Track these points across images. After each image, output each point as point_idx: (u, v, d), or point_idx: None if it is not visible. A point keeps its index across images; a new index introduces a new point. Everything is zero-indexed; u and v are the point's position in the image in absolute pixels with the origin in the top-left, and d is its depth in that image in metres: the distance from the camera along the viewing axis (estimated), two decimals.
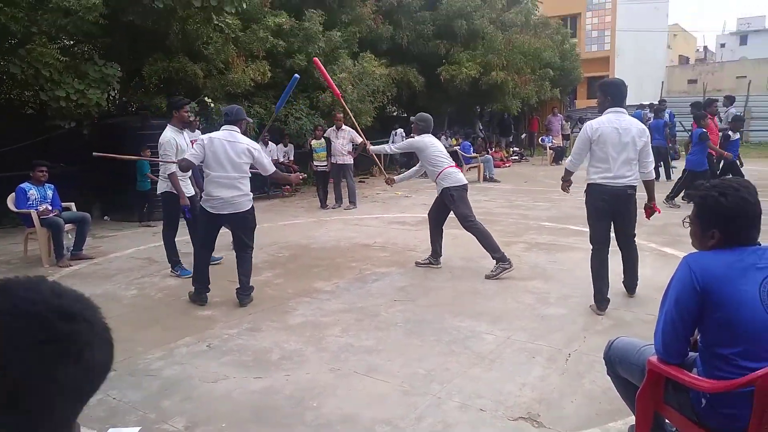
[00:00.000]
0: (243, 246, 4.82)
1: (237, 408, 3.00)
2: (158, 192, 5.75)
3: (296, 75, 5.61)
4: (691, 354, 2.04)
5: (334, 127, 10.01)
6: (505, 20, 17.46)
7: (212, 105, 9.60)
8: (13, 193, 6.30)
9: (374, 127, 15.41)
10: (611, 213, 4.36)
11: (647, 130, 4.38)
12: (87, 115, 8.22)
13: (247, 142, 4.74)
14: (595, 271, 4.38)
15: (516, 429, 2.72)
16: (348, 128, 9.82)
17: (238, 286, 4.76)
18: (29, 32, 7.38)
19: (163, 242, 5.77)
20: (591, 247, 4.46)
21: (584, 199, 4.53)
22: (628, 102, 17.57)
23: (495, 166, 15.60)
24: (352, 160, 9.97)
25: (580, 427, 2.72)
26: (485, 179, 13.74)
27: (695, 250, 2.03)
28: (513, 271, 5.30)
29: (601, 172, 4.26)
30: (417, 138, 5.89)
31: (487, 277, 5.29)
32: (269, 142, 11.35)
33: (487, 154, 15.05)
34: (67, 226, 6.39)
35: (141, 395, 3.17)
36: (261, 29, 10.69)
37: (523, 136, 22.83)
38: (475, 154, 14.41)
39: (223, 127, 4.77)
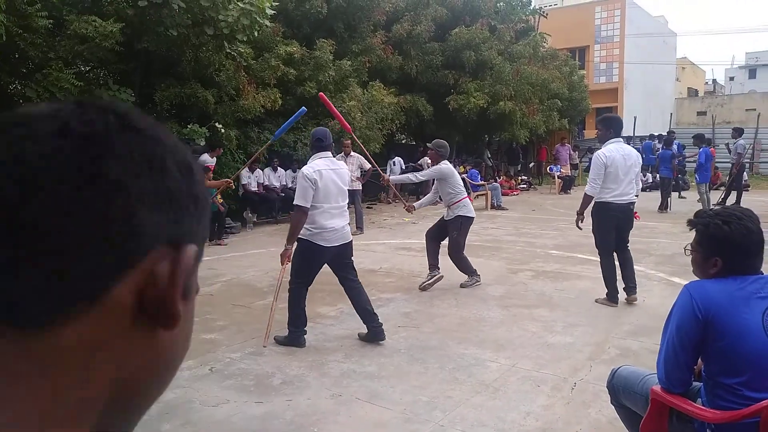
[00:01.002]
0: (351, 275, 4.43)
1: None
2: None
3: (303, 108, 5.58)
4: (695, 383, 2.01)
5: (342, 153, 10.10)
6: (513, 52, 17.69)
7: (223, 131, 9.74)
8: None
9: (382, 154, 15.56)
10: (617, 225, 5.21)
11: (639, 156, 5.33)
12: None
13: (343, 165, 4.57)
14: (608, 272, 5.23)
15: None
16: (356, 154, 9.92)
17: (372, 324, 4.26)
18: (46, 57, 7.58)
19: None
20: (600, 255, 5.35)
21: (593, 217, 5.33)
22: (636, 133, 17.97)
23: (503, 194, 15.62)
24: (360, 186, 10.03)
25: None
26: (493, 207, 13.74)
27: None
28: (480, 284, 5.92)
29: (611, 192, 5.10)
30: (443, 165, 6.06)
31: (462, 285, 5.90)
32: (278, 168, 11.45)
33: (495, 182, 15.10)
34: None
35: (141, 419, 3.13)
36: (272, 58, 10.91)
37: (532, 164, 22.89)
38: (482, 182, 14.46)
39: (318, 155, 4.28)
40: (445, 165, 6.08)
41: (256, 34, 9.29)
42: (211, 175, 8.61)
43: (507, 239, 9.20)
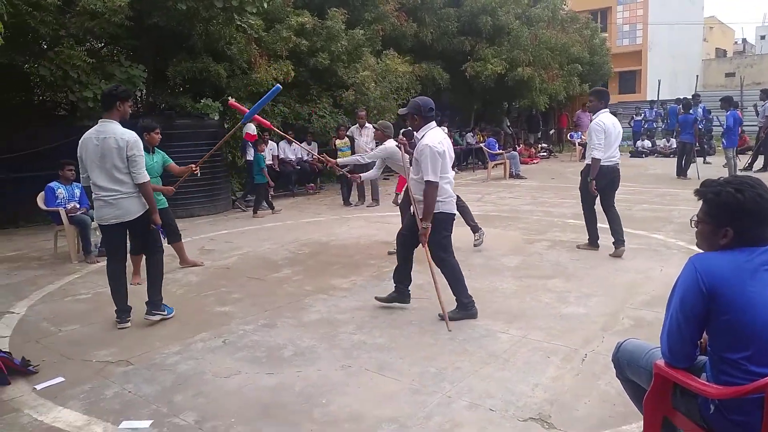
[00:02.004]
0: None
1: (247, 404, 3.02)
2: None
3: (278, 85, 5.45)
4: (701, 358, 1.96)
5: (357, 125, 10.02)
6: (531, 15, 17.21)
7: None
8: (43, 192, 6.49)
9: (398, 124, 15.39)
10: (606, 184, 5.92)
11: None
12: None
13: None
14: (591, 221, 6.17)
15: (525, 430, 2.67)
16: (371, 126, 9.81)
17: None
18: (58, 35, 7.58)
19: None
20: (584, 208, 6.15)
21: (583, 175, 6.03)
22: (662, 96, 17.61)
23: (522, 163, 15.40)
24: None
25: (591, 429, 2.66)
26: (511, 176, 13.58)
27: None
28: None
29: (607, 156, 5.83)
30: (388, 144, 6.16)
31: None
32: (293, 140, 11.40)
33: (514, 150, 14.88)
34: (94, 224, 6.53)
35: (155, 389, 3.22)
36: (284, 29, 10.77)
37: (552, 132, 22.47)
38: (500, 151, 14.26)
39: (430, 126, 4.14)
40: (391, 144, 6.06)
41: (265, 5, 9.17)
42: None
43: (524, 209, 9.10)
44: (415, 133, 4.33)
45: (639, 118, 20.02)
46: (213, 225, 8.59)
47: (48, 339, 4.05)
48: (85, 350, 3.81)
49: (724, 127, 11.59)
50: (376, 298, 4.53)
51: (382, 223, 8.19)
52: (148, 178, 4.17)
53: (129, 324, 4.22)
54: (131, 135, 4.07)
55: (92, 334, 4.12)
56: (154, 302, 4.31)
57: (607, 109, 5.96)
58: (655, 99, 22.42)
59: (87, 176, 4.14)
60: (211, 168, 9.39)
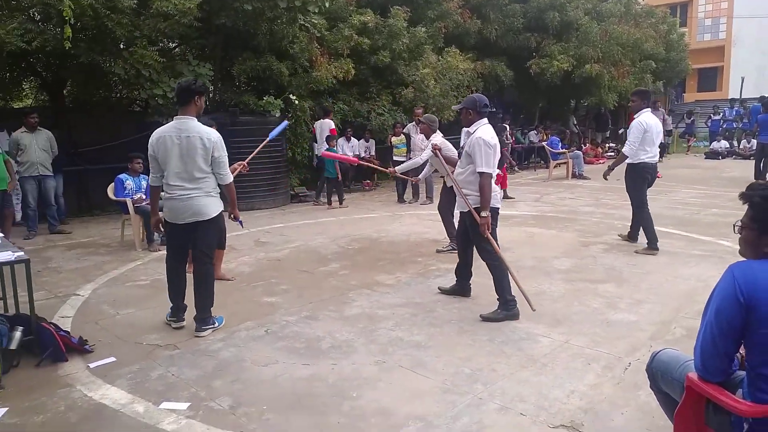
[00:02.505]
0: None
1: (281, 392, 3.10)
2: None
3: (286, 121, 6.29)
4: (739, 373, 1.83)
5: (413, 123, 10.00)
6: (602, 10, 16.54)
7: (296, 102, 9.94)
8: (113, 183, 6.90)
9: (458, 122, 15.24)
10: (650, 181, 6.19)
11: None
12: None
13: None
14: (647, 222, 6.07)
15: None
16: None
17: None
18: (132, 36, 8.03)
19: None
20: (638, 210, 6.20)
21: (629, 177, 6.21)
22: (745, 94, 16.56)
23: (587, 163, 14.88)
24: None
25: None
26: (574, 176, 13.14)
27: None
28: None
29: (647, 154, 6.02)
30: (438, 139, 6.37)
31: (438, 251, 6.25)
32: (351, 138, 11.55)
33: (578, 149, 14.39)
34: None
35: (196, 374, 3.36)
36: (346, 27, 10.90)
37: (621, 131, 21.50)
38: (563, 150, 13.81)
39: (483, 121, 4.21)
40: (440, 138, 6.32)
41: (327, 4, 9.32)
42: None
43: (584, 210, 8.79)
44: (466, 128, 4.35)
45: (717, 117, 18.84)
46: (270, 218, 8.84)
47: (106, 321, 4.32)
48: (137, 333, 4.03)
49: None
50: (439, 288, 4.81)
51: (434, 221, 8.11)
52: (231, 178, 4.09)
53: (184, 323, 4.08)
54: (216, 135, 3.92)
55: (146, 318, 4.35)
56: (203, 318, 4.02)
57: (650, 109, 6.21)
58: (737, 97, 21.01)
59: (159, 176, 3.95)
60: (272, 163, 9.68)
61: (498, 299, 4.16)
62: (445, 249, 6.26)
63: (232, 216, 4.33)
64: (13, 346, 3.45)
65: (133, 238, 6.81)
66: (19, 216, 8.02)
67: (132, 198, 6.77)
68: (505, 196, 9.71)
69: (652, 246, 5.97)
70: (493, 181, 4.16)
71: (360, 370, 3.35)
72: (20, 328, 3.54)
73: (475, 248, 4.41)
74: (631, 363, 3.32)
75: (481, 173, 4.06)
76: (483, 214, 4.10)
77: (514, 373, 3.24)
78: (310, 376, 3.29)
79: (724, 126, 18.62)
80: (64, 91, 10.12)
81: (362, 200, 10.70)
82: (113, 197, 6.88)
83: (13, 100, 11.41)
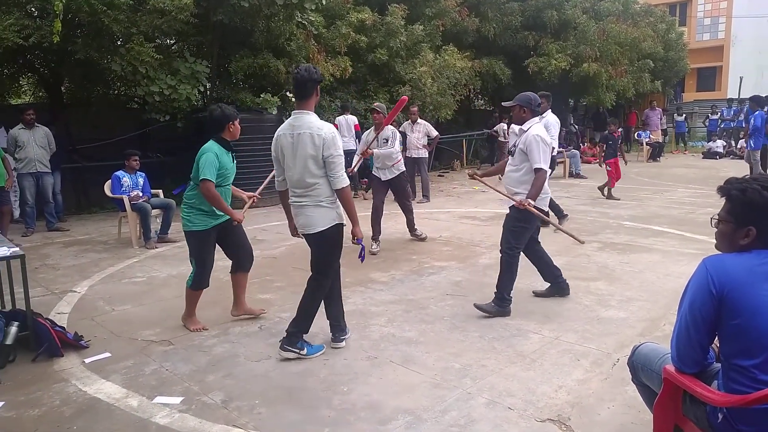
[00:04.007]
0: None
1: (272, 387, 3.14)
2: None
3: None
4: (716, 365, 1.87)
5: (409, 120, 10.05)
6: (600, 9, 16.58)
7: (293, 99, 9.95)
8: (110, 180, 6.93)
9: (456, 120, 15.29)
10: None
11: None
12: (180, 109, 8.85)
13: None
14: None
15: (541, 430, 2.62)
16: (423, 122, 9.85)
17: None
18: (129, 32, 8.06)
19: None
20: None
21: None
22: (743, 94, 16.55)
23: (585, 162, 14.93)
24: (426, 153, 9.96)
25: None
26: (571, 175, 13.18)
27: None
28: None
29: None
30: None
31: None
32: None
33: (575, 149, 14.42)
34: (155, 212, 6.93)
35: (190, 369, 3.40)
36: (344, 25, 10.93)
37: (620, 130, 21.54)
38: (560, 149, 13.82)
39: (536, 119, 4.25)
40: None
41: (324, 2, 9.34)
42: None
43: (579, 209, 8.82)
44: (518, 126, 4.29)
45: (715, 117, 18.89)
46: (267, 216, 8.86)
47: (102, 317, 4.36)
48: (132, 329, 4.07)
49: (751, 127, 10.72)
50: (534, 292, 4.66)
51: (430, 219, 8.19)
52: (347, 182, 3.43)
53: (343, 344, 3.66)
54: (329, 130, 3.34)
55: (141, 315, 4.39)
56: (293, 333, 3.50)
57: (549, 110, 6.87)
58: (735, 97, 21.04)
59: (283, 179, 3.57)
60: (269, 160, 9.68)
61: (495, 293, 4.20)
62: (375, 251, 6.19)
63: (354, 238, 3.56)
64: (9, 341, 3.50)
65: (130, 236, 6.84)
66: (17, 213, 8.06)
67: (129, 195, 6.80)
68: (610, 196, 9.58)
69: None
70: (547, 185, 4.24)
71: (351, 365, 3.39)
72: (16, 323, 3.58)
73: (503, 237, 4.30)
74: (619, 359, 3.36)
75: (537, 169, 4.11)
76: (530, 201, 4.07)
77: (503, 369, 3.28)
78: (302, 371, 3.33)
79: (722, 126, 18.67)
80: (62, 88, 10.14)
81: (357, 199, 10.73)
82: (110, 194, 6.91)
83: (11, 97, 11.44)
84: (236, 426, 2.73)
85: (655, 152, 16.79)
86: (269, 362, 3.46)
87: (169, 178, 9.67)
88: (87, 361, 3.52)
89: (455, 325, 4.01)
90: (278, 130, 3.52)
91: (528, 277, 5.11)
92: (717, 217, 1.85)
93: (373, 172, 6.61)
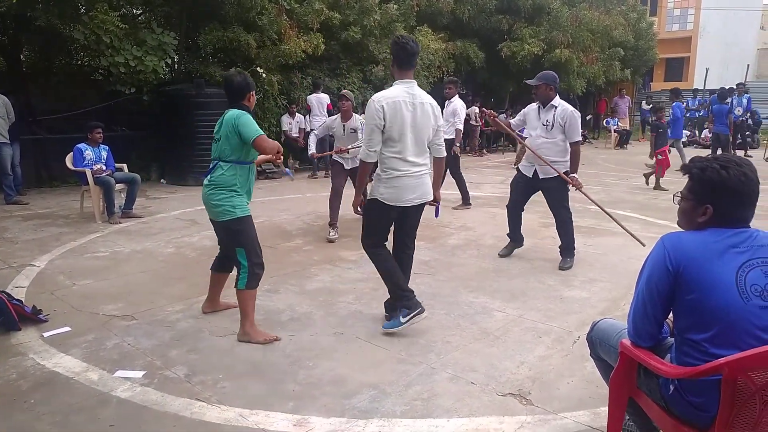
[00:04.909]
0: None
1: (237, 361, 3.12)
2: None
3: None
4: (670, 339, 1.93)
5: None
6: None
7: (264, 75, 9.79)
8: (71, 153, 6.72)
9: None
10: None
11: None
12: (146, 82, 8.60)
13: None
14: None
15: (502, 404, 2.68)
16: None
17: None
18: (93, 0, 7.76)
19: None
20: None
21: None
22: (709, 85, 17.11)
23: None
24: None
25: (569, 408, 2.65)
26: None
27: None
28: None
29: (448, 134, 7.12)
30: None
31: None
32: (296, 113, 11.13)
33: None
34: (118, 186, 6.76)
35: (152, 343, 3.35)
36: (316, 1, 10.73)
37: (589, 117, 21.87)
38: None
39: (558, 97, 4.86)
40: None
41: None
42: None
43: None
44: (550, 103, 4.79)
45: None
46: None
47: (62, 291, 4.25)
48: (94, 304, 3.98)
49: (671, 118, 11.29)
50: (499, 254, 5.28)
51: None
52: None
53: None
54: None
55: (103, 290, 4.30)
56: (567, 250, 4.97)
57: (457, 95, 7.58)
58: (701, 88, 21.55)
59: (377, 151, 3.35)
60: None
61: (563, 248, 4.99)
62: (333, 238, 5.86)
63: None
64: None
65: (92, 210, 6.66)
66: None
67: (92, 168, 6.61)
68: (657, 186, 9.34)
69: (466, 202, 7.52)
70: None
71: (318, 341, 3.40)
72: None
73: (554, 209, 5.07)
74: (579, 337, 3.44)
75: (576, 142, 4.80)
76: (574, 175, 4.81)
77: (467, 345, 3.33)
78: (267, 346, 3.32)
79: (687, 115, 19.10)
80: (21, 56, 9.73)
81: (317, 179, 10.66)
82: (72, 167, 6.70)
83: None
84: (199, 399, 2.71)
85: (623, 139, 17.12)
86: (233, 338, 3.43)
87: (135, 153, 9.44)
88: (45, 335, 3.44)
89: (422, 302, 4.03)
90: (384, 97, 3.27)
91: (493, 258, 5.21)
92: (679, 194, 1.89)
93: (334, 158, 6.33)
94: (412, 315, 3.42)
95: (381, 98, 3.28)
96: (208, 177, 3.42)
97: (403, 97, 3.29)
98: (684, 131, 18.26)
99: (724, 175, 1.76)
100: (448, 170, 7.01)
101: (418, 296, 4.14)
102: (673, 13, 29.13)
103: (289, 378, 2.93)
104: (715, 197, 1.77)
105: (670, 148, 10.40)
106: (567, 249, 4.98)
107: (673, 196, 1.96)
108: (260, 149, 3.35)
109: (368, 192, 3.65)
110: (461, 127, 7.62)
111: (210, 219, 3.56)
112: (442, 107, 6.75)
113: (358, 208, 3.63)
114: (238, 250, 3.41)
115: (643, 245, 4.84)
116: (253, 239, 3.47)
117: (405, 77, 3.35)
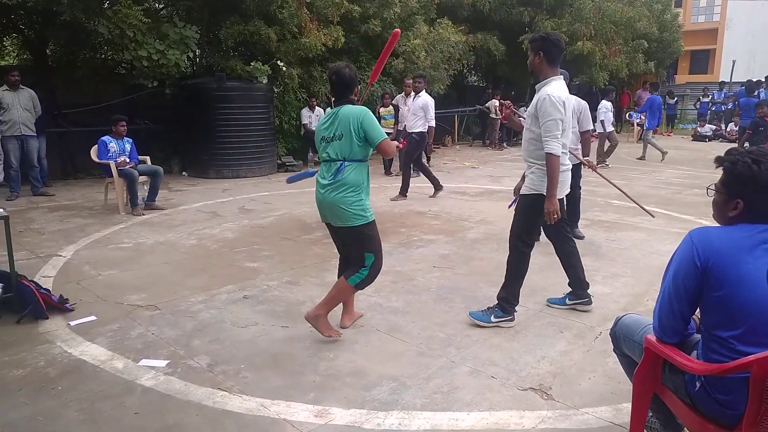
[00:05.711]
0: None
1: (258, 352, 3.15)
2: None
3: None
4: (696, 336, 1.90)
5: (402, 94, 9.94)
6: None
7: (284, 68, 9.82)
8: (96, 145, 6.83)
9: (449, 95, 15.19)
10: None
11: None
12: (168, 76, 8.69)
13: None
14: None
15: (523, 398, 2.67)
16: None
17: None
18: None
19: None
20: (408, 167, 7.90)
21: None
22: (735, 77, 16.92)
23: None
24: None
25: (590, 404, 2.63)
26: None
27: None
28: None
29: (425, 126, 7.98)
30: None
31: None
32: (316, 107, 11.18)
33: None
34: (142, 178, 6.86)
35: (176, 333, 3.40)
36: None
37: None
38: None
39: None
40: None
41: None
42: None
43: None
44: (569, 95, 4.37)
45: (706, 100, 18.93)
46: (256, 186, 8.82)
47: (87, 281, 4.33)
48: (119, 294, 4.06)
49: (645, 107, 12.20)
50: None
51: (420, 193, 8.19)
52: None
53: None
54: None
55: (128, 280, 4.37)
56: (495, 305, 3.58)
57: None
58: (727, 81, 21.09)
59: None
60: (259, 131, 9.62)
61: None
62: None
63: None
64: None
65: (116, 202, 6.77)
66: (0, 177, 7.93)
67: (115, 161, 6.71)
68: None
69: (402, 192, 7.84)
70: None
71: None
72: (0, 284, 3.55)
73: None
74: (601, 332, 3.41)
75: (588, 131, 5.38)
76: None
77: (487, 339, 3.32)
78: (288, 337, 3.35)
79: (713, 109, 18.73)
80: (47, 51, 9.90)
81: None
82: (96, 160, 6.81)
83: None
84: (221, 389, 2.74)
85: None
86: (256, 328, 3.47)
87: (157, 146, 9.56)
88: (72, 323, 3.51)
89: (441, 296, 4.04)
90: (561, 95, 3.31)
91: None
92: (713, 186, 1.86)
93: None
94: (504, 319, 3.49)
95: (560, 94, 3.30)
96: (333, 178, 3.19)
97: (567, 93, 3.41)
98: (709, 125, 17.95)
99: (755, 170, 1.71)
100: (413, 163, 8.00)
101: (438, 289, 4.16)
102: (698, 4, 28.54)
103: (309, 369, 2.96)
104: (746, 192, 1.73)
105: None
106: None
107: (707, 188, 1.92)
108: (384, 152, 3.31)
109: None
110: (434, 124, 8.03)
111: (327, 223, 3.38)
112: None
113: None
114: (367, 255, 3.26)
115: (653, 216, 5.20)
116: (380, 244, 3.37)
117: (555, 74, 3.39)
